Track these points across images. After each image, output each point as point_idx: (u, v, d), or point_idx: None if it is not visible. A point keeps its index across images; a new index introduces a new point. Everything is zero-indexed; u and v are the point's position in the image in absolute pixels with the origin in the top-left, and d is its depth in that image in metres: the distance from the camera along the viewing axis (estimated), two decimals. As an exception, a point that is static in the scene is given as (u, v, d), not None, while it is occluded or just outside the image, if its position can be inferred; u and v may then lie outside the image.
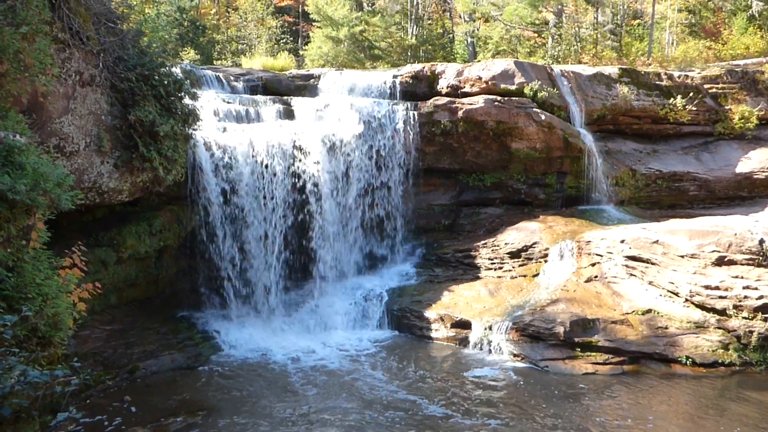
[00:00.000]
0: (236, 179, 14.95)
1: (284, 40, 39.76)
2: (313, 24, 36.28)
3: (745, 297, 13.26)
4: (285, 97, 18.42)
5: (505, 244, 17.12)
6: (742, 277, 13.42)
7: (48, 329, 6.82)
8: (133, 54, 11.89)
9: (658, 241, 14.57)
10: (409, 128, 18.14)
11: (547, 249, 16.46)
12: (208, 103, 15.87)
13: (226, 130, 15.49)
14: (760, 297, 13.12)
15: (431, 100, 18.70)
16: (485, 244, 17.42)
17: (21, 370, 5.13)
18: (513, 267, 16.76)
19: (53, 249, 7.60)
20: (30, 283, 6.71)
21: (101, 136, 11.08)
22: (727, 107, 21.48)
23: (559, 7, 35.46)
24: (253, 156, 15.20)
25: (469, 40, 37.82)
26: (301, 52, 37.57)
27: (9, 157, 6.45)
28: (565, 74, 20.41)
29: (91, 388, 11.32)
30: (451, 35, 41.51)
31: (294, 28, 42.83)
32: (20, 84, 7.90)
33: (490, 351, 14.19)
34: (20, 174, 6.45)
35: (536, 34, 36.31)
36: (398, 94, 19.56)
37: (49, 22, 9.06)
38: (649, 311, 14.17)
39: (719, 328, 13.47)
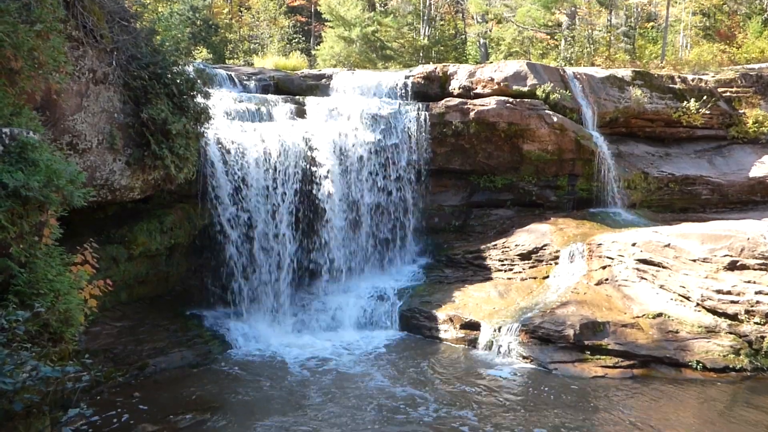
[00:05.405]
0: (247, 178, 14.98)
1: (296, 40, 39.84)
2: (326, 24, 36.32)
3: (758, 302, 13.17)
4: (297, 97, 18.45)
5: (516, 245, 17.09)
6: (754, 282, 13.33)
7: (59, 325, 6.85)
8: (146, 52, 11.92)
9: (669, 244, 14.49)
10: (420, 129, 18.14)
11: (557, 251, 16.41)
12: (220, 101, 15.92)
13: (238, 129, 15.53)
14: (773, 302, 13.02)
15: (443, 101, 18.68)
16: (495, 245, 17.39)
17: (33, 365, 5.16)
18: (523, 269, 16.71)
19: (65, 245, 7.62)
20: (42, 279, 6.74)
21: (114, 133, 11.13)
22: (741, 111, 21.36)
23: (573, 9, 35.34)
24: (264, 155, 15.24)
25: (482, 41, 37.75)
26: (313, 52, 37.63)
27: (22, 154, 6.48)
28: (578, 76, 20.34)
29: (101, 385, 11.37)
30: (463, 36, 41.46)
31: (306, 27, 42.91)
32: (34, 81, 7.92)
33: (499, 353, 14.15)
34: (33, 171, 6.48)
35: (549, 36, 36.19)
36: (410, 94, 19.56)
37: (63, 20, 9.10)
38: (659, 315, 14.08)
39: (730, 333, 13.38)
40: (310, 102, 18.04)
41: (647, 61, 28.59)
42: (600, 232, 16.75)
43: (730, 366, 12.96)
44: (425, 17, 38.24)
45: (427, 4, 38.52)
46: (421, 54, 36.36)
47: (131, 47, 11.65)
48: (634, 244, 15.07)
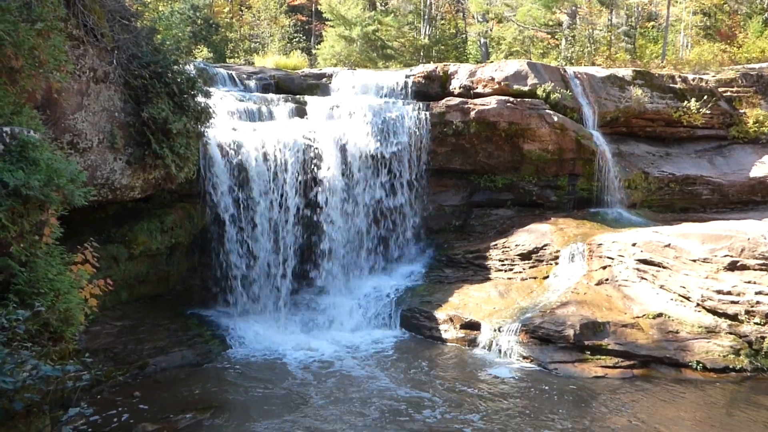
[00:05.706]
0: (247, 177, 14.97)
1: (297, 39, 39.82)
2: (326, 23, 36.30)
3: (758, 302, 13.16)
4: (297, 96, 18.44)
5: (516, 245, 17.07)
6: (754, 282, 13.32)
7: (60, 324, 6.85)
8: (147, 51, 11.92)
9: (670, 244, 14.49)
10: (421, 128, 18.12)
11: (557, 251, 16.40)
12: (220, 101, 15.90)
13: (239, 129, 15.52)
14: (773, 303, 13.02)
15: (443, 101, 18.66)
16: (496, 245, 17.37)
17: (33, 364, 5.16)
18: (523, 269, 16.70)
19: (66, 245, 7.62)
20: (42, 278, 6.73)
21: (114, 132, 11.13)
22: (741, 111, 21.34)
23: (573, 8, 35.35)
24: (264, 154, 15.23)
25: (482, 40, 37.72)
26: (313, 51, 37.61)
27: (23, 153, 6.49)
28: (579, 76, 20.33)
29: (101, 384, 11.36)
30: (464, 36, 41.46)
31: (307, 27, 42.88)
32: (35, 80, 7.92)
33: (499, 353, 14.15)
34: (34, 170, 6.48)
35: (550, 36, 36.18)
36: (410, 94, 19.55)
37: (64, 19, 9.09)
38: (660, 315, 14.08)
39: (731, 333, 13.38)
40: (311, 101, 18.01)
41: (648, 61, 28.57)
42: (600, 232, 16.74)
43: (730, 366, 12.95)
44: (426, 16, 38.25)
45: (428, 3, 38.51)
46: (421, 53, 36.34)
47: (132, 46, 11.64)
48: (634, 244, 15.06)
